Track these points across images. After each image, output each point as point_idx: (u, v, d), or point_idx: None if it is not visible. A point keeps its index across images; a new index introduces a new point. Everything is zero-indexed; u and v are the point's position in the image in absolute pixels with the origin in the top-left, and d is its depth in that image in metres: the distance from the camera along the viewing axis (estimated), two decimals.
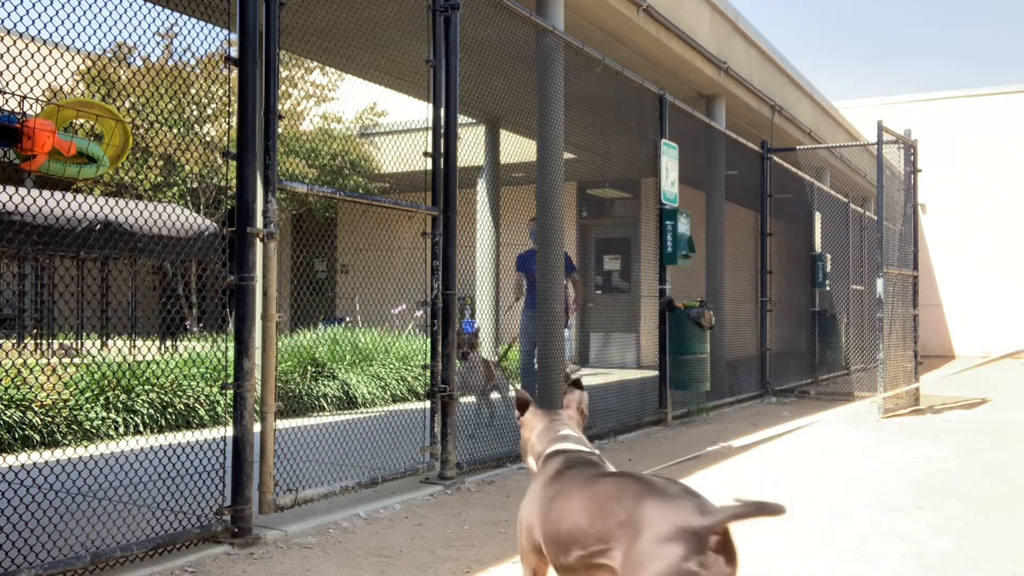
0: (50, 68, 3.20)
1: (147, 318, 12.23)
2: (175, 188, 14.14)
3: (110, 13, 3.40)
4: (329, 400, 8.45)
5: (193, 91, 11.36)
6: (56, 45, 3.23)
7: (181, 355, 8.09)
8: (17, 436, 5.96)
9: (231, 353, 3.88)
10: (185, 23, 4.08)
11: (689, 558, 1.93)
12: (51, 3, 3.18)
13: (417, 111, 5.80)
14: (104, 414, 6.57)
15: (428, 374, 5.17)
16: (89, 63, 10.13)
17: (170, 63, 11.46)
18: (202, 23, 4.10)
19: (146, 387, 6.92)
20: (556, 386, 6.66)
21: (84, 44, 3.36)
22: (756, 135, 11.72)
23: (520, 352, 8.03)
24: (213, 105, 11.34)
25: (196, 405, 7.24)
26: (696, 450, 6.67)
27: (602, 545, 1.98)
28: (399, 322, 10.12)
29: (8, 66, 3.06)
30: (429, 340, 5.15)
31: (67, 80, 4.57)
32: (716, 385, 8.63)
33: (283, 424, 4.34)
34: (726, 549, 2.06)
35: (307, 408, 8.27)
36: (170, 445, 4.19)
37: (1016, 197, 20.54)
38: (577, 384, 2.68)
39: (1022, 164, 20.62)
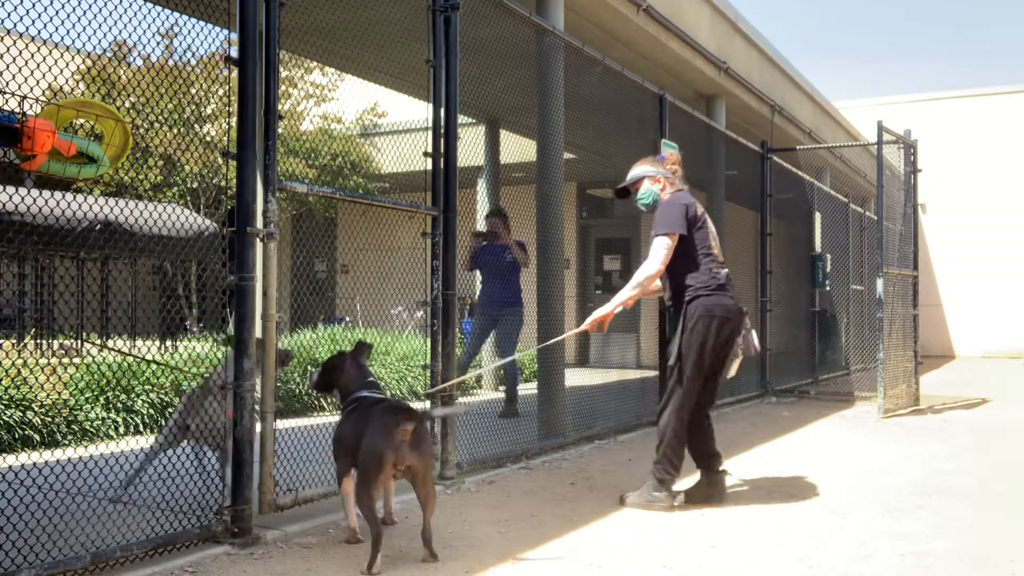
0: (50, 68, 3.20)
1: (147, 318, 12.23)
2: (175, 188, 14.14)
3: (110, 13, 3.40)
4: (329, 400, 8.44)
5: (193, 91, 11.36)
6: (56, 45, 3.22)
7: (181, 355, 8.09)
8: (17, 436, 5.97)
9: (231, 353, 3.88)
10: (185, 23, 4.08)
11: (381, 440, 3.43)
12: (51, 3, 3.18)
13: (417, 111, 5.80)
14: (104, 414, 6.57)
15: (428, 374, 5.17)
16: (89, 63, 10.13)
17: (170, 63, 11.46)
18: (202, 23, 4.10)
19: (146, 387, 6.92)
20: (557, 389, 6.66)
21: (84, 44, 3.36)
22: (756, 135, 11.72)
23: (467, 347, 8.00)
24: (213, 105, 11.34)
25: None
26: None
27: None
28: (399, 322, 10.12)
29: (8, 66, 3.06)
30: (429, 340, 5.15)
31: (67, 80, 4.56)
32: None
33: (283, 424, 4.34)
34: (414, 440, 3.44)
35: (307, 408, 8.27)
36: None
37: (1016, 197, 20.54)
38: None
39: (1022, 164, 20.63)
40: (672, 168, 4.96)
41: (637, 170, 4.96)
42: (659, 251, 4.62)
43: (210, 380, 4.19)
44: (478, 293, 8.22)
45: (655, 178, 4.87)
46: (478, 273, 8.22)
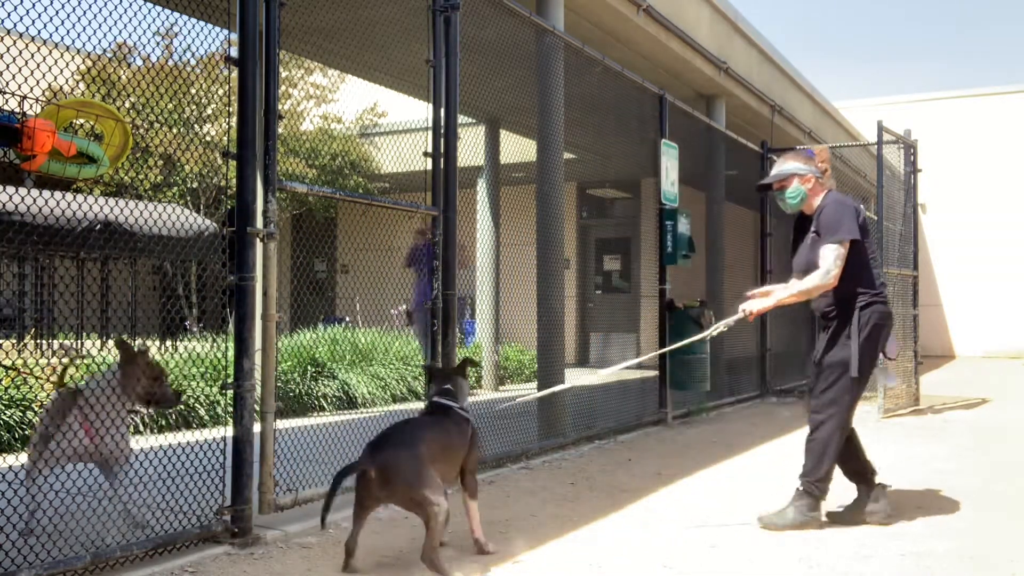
0: (50, 68, 3.20)
1: (147, 318, 12.23)
2: (175, 188, 14.13)
3: (110, 13, 3.40)
4: (329, 400, 8.45)
5: (193, 91, 11.37)
6: (56, 45, 3.22)
7: (181, 355, 8.09)
8: (17, 436, 5.97)
9: (231, 353, 3.88)
10: (185, 23, 4.08)
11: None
12: (51, 3, 3.18)
13: (417, 111, 5.80)
14: None
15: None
16: (89, 63, 10.12)
17: (170, 63, 11.45)
18: (202, 23, 4.10)
19: None
20: (558, 393, 6.65)
21: (84, 44, 3.36)
22: (756, 135, 11.72)
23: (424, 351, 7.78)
24: (213, 105, 11.34)
25: (196, 405, 7.24)
26: (696, 449, 6.67)
27: None
28: (399, 322, 10.12)
29: (8, 66, 3.06)
30: (429, 340, 5.15)
31: (67, 80, 4.56)
32: (716, 385, 8.64)
33: (283, 424, 4.33)
34: (378, 479, 3.36)
35: (307, 408, 8.27)
36: (170, 445, 4.18)
37: (1016, 197, 20.54)
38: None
39: (1022, 164, 20.62)
40: (822, 166, 4.61)
41: (787, 166, 4.59)
42: (834, 261, 4.29)
43: (86, 387, 3.71)
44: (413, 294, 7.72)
45: (805, 177, 4.53)
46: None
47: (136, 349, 3.86)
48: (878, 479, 4.54)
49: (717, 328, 4.73)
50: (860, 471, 4.55)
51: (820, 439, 4.36)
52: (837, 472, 4.43)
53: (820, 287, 4.36)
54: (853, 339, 4.30)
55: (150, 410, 3.86)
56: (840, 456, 4.44)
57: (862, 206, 4.48)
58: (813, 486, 4.32)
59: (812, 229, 4.49)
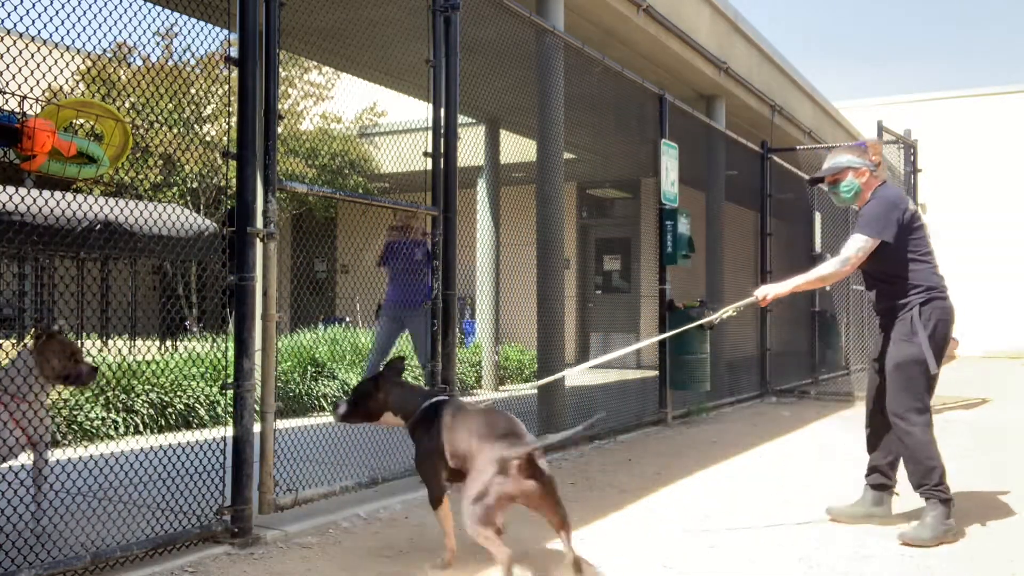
0: (50, 68, 3.20)
1: (147, 318, 12.23)
2: (175, 188, 14.13)
3: (110, 13, 3.40)
4: (329, 400, 8.44)
5: (193, 91, 11.37)
6: (56, 45, 3.22)
7: (181, 355, 8.09)
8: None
9: (231, 353, 3.88)
10: (185, 23, 4.08)
11: (498, 475, 3.14)
12: (51, 3, 3.18)
13: (417, 111, 5.80)
14: (104, 414, 6.57)
15: (428, 374, 5.17)
16: (89, 63, 10.12)
17: (170, 63, 11.46)
18: (202, 23, 4.10)
19: (146, 387, 6.92)
20: (557, 388, 6.65)
21: (84, 44, 3.36)
22: (756, 135, 11.72)
23: (372, 354, 7.49)
24: (213, 105, 11.34)
25: (196, 405, 7.24)
26: (696, 449, 6.67)
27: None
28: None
29: (8, 66, 3.06)
30: (429, 340, 5.15)
31: (67, 80, 4.56)
32: (716, 385, 8.64)
33: (283, 424, 4.34)
34: (530, 469, 3.15)
35: (307, 408, 8.27)
36: (170, 445, 4.19)
37: (1016, 197, 20.54)
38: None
39: (1022, 164, 20.62)
40: (876, 159, 4.49)
41: (841, 159, 4.47)
42: (855, 251, 4.23)
43: (4, 375, 3.58)
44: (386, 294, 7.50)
45: (860, 170, 4.41)
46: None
47: (49, 330, 3.78)
48: (892, 490, 4.51)
49: (727, 311, 4.68)
50: (887, 475, 4.50)
51: (914, 445, 4.23)
52: (839, 472, 4.43)
53: (836, 274, 4.32)
54: (920, 336, 4.21)
55: (69, 388, 3.81)
56: (881, 448, 4.42)
57: (909, 200, 4.36)
58: (935, 492, 4.18)
59: (855, 223, 4.43)
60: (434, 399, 3.59)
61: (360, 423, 3.78)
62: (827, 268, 4.34)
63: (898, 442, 4.32)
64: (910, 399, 4.24)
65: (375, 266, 7.36)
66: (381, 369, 3.79)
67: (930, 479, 4.19)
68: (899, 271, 4.28)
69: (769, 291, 4.39)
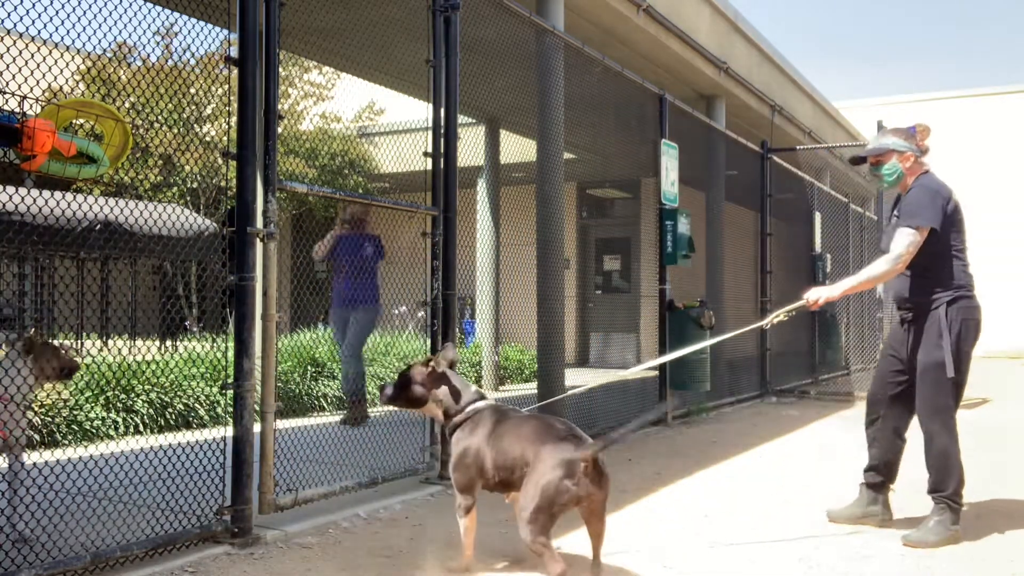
0: (50, 68, 3.20)
1: (147, 318, 12.23)
2: (175, 188, 14.13)
3: (110, 13, 3.40)
4: (329, 400, 8.44)
5: (193, 91, 11.37)
6: (56, 45, 3.22)
7: (181, 355, 8.10)
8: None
9: (231, 353, 3.88)
10: (185, 23, 4.08)
11: (565, 478, 3.03)
12: (51, 3, 3.18)
13: (417, 111, 5.80)
14: (104, 414, 6.57)
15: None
16: (89, 63, 10.12)
17: (170, 63, 11.45)
18: (202, 23, 4.10)
19: (146, 387, 6.92)
20: (557, 389, 6.65)
21: (84, 44, 3.36)
22: (756, 135, 11.72)
23: (342, 352, 7.36)
24: (212, 105, 11.34)
25: (196, 405, 7.24)
26: (696, 449, 6.67)
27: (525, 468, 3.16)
28: (399, 322, 10.12)
29: (8, 66, 3.06)
30: (429, 340, 5.15)
31: (67, 80, 4.56)
32: (716, 385, 8.63)
33: (283, 424, 4.34)
34: (595, 472, 3.07)
35: (307, 408, 8.27)
36: (170, 445, 4.19)
37: (1016, 197, 20.54)
38: None
39: (1022, 164, 20.62)
40: (923, 145, 4.30)
41: (887, 140, 4.31)
42: (906, 247, 4.05)
43: None
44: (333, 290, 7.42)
45: (905, 154, 4.24)
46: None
47: (35, 338, 3.80)
48: (888, 488, 4.48)
49: (777, 315, 4.52)
50: (884, 473, 4.44)
51: (938, 451, 4.12)
52: (839, 472, 4.43)
53: (888, 272, 4.15)
54: (944, 339, 4.06)
55: (63, 382, 3.91)
56: (879, 445, 4.36)
57: (953, 192, 4.21)
58: (948, 500, 4.09)
59: (895, 212, 4.29)
60: (481, 403, 3.47)
61: (404, 408, 3.65)
62: (878, 268, 4.16)
63: (925, 445, 4.21)
64: (935, 407, 4.14)
65: (319, 260, 7.18)
66: (434, 355, 3.70)
67: (946, 487, 4.11)
68: (931, 264, 4.12)
69: (820, 294, 4.26)
